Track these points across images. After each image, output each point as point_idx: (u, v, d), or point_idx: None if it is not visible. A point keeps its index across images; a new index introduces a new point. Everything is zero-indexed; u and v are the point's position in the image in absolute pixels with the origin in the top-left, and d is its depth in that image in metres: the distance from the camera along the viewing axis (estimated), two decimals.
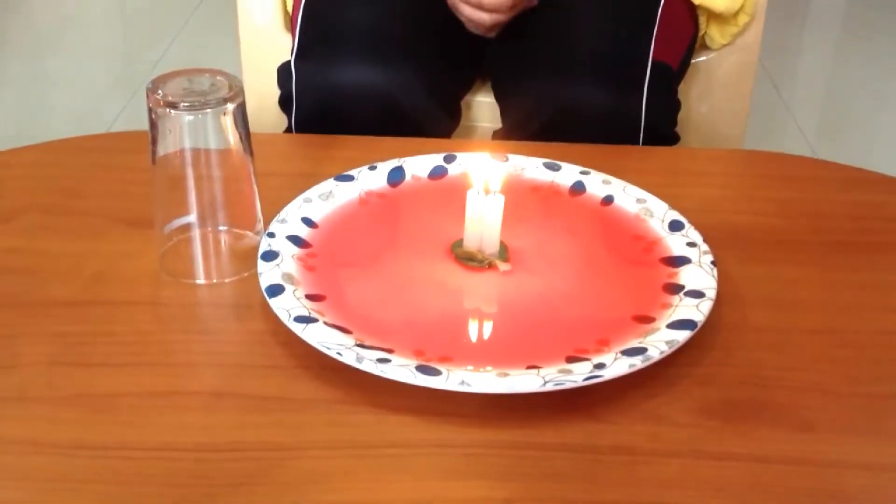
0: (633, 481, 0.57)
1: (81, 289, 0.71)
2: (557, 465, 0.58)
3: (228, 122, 0.68)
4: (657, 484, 0.57)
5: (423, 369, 0.61)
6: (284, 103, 1.01)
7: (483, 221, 0.71)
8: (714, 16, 1.08)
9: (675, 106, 1.00)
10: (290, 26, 1.14)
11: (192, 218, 0.69)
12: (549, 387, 0.60)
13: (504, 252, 0.72)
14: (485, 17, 0.94)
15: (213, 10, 2.62)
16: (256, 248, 0.71)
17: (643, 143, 0.95)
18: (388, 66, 0.94)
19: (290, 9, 1.13)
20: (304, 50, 0.98)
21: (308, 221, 0.76)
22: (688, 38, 1.05)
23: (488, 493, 0.56)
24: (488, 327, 0.69)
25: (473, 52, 1.03)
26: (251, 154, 0.70)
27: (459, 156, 0.83)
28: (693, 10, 1.07)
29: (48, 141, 0.91)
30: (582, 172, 0.82)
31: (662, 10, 0.98)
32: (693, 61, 1.11)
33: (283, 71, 1.01)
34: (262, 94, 1.16)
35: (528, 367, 0.62)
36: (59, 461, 0.57)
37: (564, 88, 0.91)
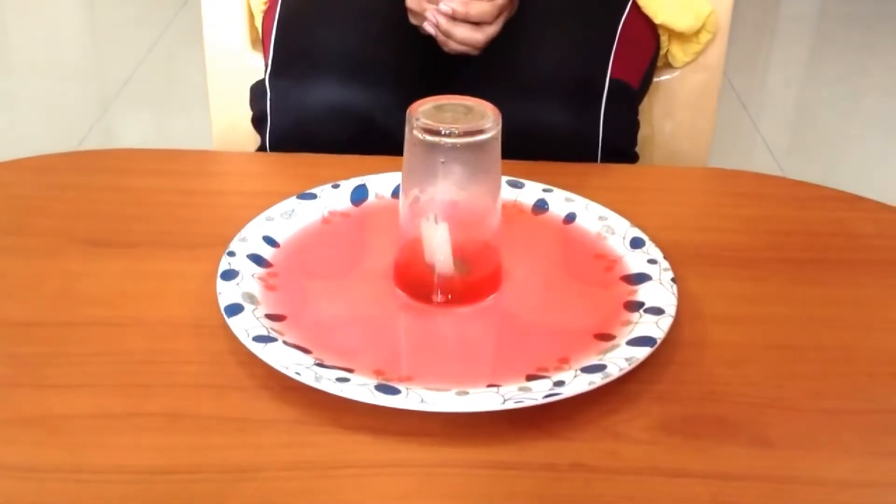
0: (592, 499, 0.57)
1: (38, 309, 0.70)
2: (517, 483, 0.58)
3: None
4: (616, 501, 0.57)
5: (382, 388, 0.61)
6: (258, 122, 1.01)
7: (434, 249, 0.70)
8: (676, 34, 1.09)
9: (635, 125, 1.01)
10: (261, 45, 1.13)
11: None
12: (509, 405, 0.60)
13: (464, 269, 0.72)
14: (479, 38, 0.93)
15: (182, 30, 2.61)
16: None
17: (602, 162, 0.95)
18: (363, 85, 0.94)
19: (259, 27, 1.13)
20: (279, 68, 0.98)
21: (270, 240, 0.76)
22: (648, 56, 1.06)
23: None
24: (449, 347, 0.69)
25: (446, 71, 1.03)
26: None
27: None
28: (654, 29, 1.08)
29: (9, 160, 0.90)
30: (545, 190, 0.83)
31: (622, 28, 0.99)
32: (656, 80, 1.12)
33: (257, 90, 1.00)
34: (230, 114, 1.16)
35: (489, 386, 0.62)
36: (11, 484, 0.56)
37: (522, 108, 0.92)
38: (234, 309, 0.67)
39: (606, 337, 0.67)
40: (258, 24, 1.13)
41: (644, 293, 0.71)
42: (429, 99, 0.70)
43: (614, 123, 0.96)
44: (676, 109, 1.14)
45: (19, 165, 0.90)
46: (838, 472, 0.60)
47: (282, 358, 0.63)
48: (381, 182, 0.83)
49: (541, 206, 0.81)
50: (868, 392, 0.66)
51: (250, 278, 0.71)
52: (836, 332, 0.72)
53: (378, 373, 0.63)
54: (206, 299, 0.70)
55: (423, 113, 0.68)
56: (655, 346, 0.65)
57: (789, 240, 0.82)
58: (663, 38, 1.10)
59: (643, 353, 0.64)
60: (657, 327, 0.67)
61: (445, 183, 0.68)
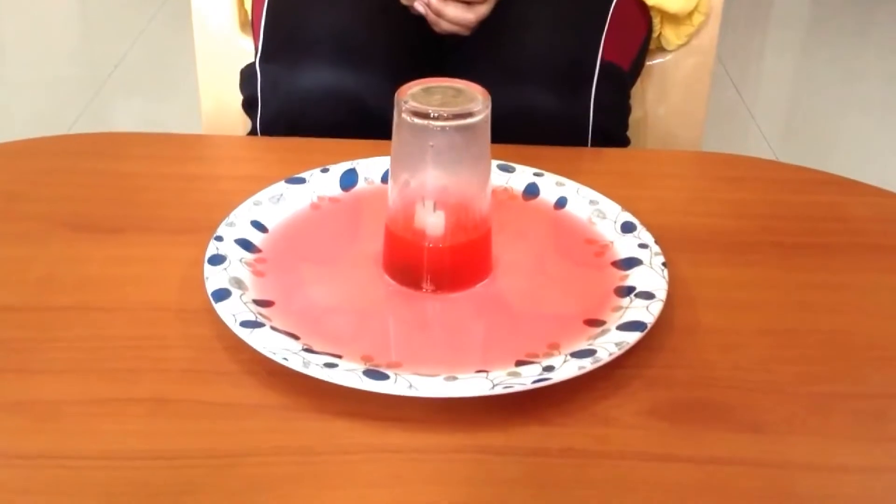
0: (583, 484, 0.57)
1: (23, 294, 0.70)
2: (506, 469, 0.57)
3: None
4: (607, 486, 0.56)
5: (370, 374, 0.60)
6: (248, 106, 1.00)
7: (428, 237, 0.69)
8: (668, 16, 1.09)
9: (626, 108, 1.00)
10: (251, 28, 1.12)
11: None
12: (498, 390, 0.59)
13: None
14: (470, 17, 0.93)
15: (174, 11, 2.60)
16: None
17: (592, 146, 0.95)
18: (354, 68, 0.93)
19: (248, 10, 1.12)
20: (269, 52, 0.97)
21: (258, 225, 0.75)
22: (640, 39, 1.05)
23: (436, 498, 0.55)
24: (439, 333, 0.68)
25: (437, 54, 1.03)
26: None
27: None
28: (646, 11, 1.07)
29: None
30: (536, 174, 0.82)
31: (613, 10, 0.98)
32: (649, 63, 1.11)
33: (247, 73, 0.99)
34: (219, 98, 1.15)
35: (478, 372, 0.61)
36: None
37: (512, 91, 0.91)
38: (222, 294, 0.66)
39: (597, 322, 0.66)
40: (247, 6, 1.12)
41: (635, 278, 0.70)
42: (417, 81, 0.69)
43: (605, 107, 0.95)
44: (669, 93, 1.13)
45: (8, 149, 0.89)
46: (830, 457, 0.59)
47: (269, 343, 0.62)
48: (371, 167, 0.82)
49: (531, 191, 0.81)
50: (860, 377, 0.66)
51: (238, 263, 0.70)
52: (828, 316, 0.71)
53: (366, 358, 0.63)
54: (194, 285, 0.69)
55: (412, 96, 0.67)
56: (646, 330, 0.65)
57: (782, 224, 0.82)
58: (655, 21, 1.09)
59: (633, 337, 0.64)
60: (648, 312, 0.66)
61: (434, 167, 0.68)
